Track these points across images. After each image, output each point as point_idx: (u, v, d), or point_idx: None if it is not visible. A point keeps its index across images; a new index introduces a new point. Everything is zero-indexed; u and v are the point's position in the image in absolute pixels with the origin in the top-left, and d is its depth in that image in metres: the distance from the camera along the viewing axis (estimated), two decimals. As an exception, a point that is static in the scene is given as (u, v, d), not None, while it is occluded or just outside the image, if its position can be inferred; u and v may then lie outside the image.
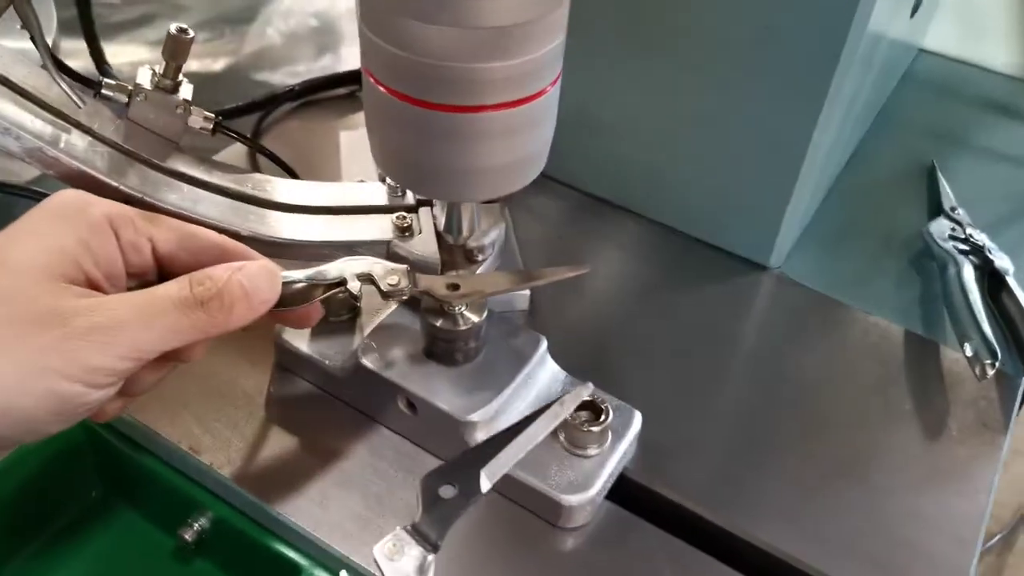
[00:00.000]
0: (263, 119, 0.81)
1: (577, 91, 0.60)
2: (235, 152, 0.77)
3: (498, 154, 0.45)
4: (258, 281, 0.47)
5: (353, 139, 0.79)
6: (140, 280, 0.48)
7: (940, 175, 0.82)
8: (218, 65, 0.91)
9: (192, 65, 0.91)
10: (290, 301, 0.52)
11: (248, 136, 0.79)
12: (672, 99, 0.69)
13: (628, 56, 0.69)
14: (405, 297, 0.54)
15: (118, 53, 0.94)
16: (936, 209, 0.79)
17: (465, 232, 0.52)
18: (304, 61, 0.91)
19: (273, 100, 0.82)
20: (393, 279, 0.53)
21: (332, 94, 0.86)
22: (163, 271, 0.48)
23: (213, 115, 0.56)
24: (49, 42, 0.79)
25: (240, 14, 0.90)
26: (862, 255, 0.75)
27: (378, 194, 0.58)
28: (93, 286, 0.46)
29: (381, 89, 0.43)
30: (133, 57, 0.94)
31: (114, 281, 0.47)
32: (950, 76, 1.00)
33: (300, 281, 0.51)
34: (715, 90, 0.66)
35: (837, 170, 0.81)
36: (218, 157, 0.74)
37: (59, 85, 0.49)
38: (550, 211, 0.75)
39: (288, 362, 0.59)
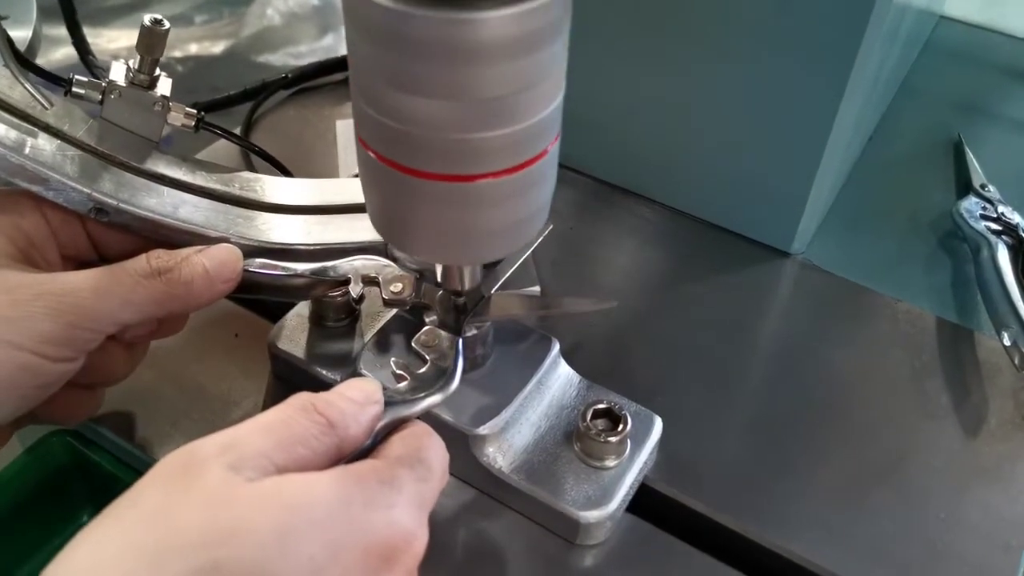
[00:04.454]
0: (255, 110, 0.77)
1: (584, 72, 0.56)
2: (223, 148, 0.73)
3: (497, 218, 0.41)
4: (219, 258, 0.46)
5: (350, 128, 0.75)
6: (77, 262, 0.48)
7: (967, 150, 0.78)
8: (217, 48, 0.87)
9: (191, 48, 0.88)
10: (292, 294, 0.51)
11: (240, 128, 0.75)
12: (685, 77, 0.65)
13: (637, 33, 0.65)
14: (407, 308, 0.51)
15: (114, 39, 0.91)
16: (965, 186, 0.74)
17: (467, 286, 0.48)
18: (306, 41, 0.87)
19: (264, 89, 0.78)
20: (397, 287, 0.50)
21: (328, 80, 0.82)
22: (105, 258, 0.48)
23: (195, 111, 0.52)
24: (29, 33, 0.76)
25: None
26: (889, 238, 0.71)
27: (375, 190, 0.54)
28: (32, 264, 0.46)
29: (372, 155, 0.40)
30: (130, 43, 0.90)
31: (50, 262, 0.47)
32: (973, 44, 0.95)
33: (305, 276, 0.49)
34: (731, 65, 0.62)
35: (860, 146, 0.77)
36: (205, 154, 0.71)
37: (22, 85, 0.45)
38: (559, 200, 0.70)
39: (284, 371, 0.56)
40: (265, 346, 0.56)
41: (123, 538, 0.32)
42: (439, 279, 0.49)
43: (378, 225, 0.44)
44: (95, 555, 0.32)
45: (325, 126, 0.77)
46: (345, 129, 0.75)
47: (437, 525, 0.49)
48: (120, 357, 0.50)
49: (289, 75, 0.80)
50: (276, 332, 0.56)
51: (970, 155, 0.77)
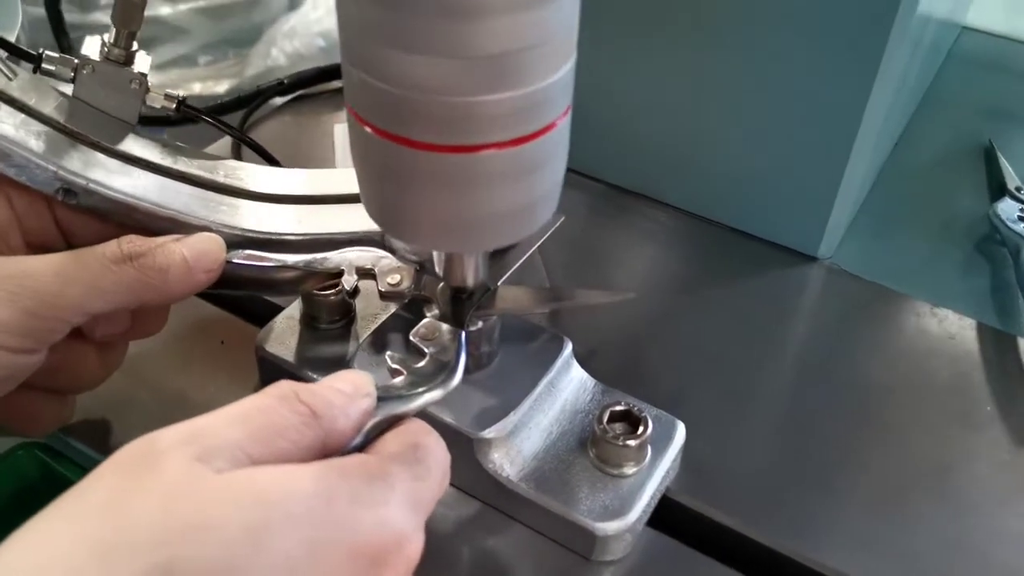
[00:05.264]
0: (249, 115, 0.74)
1: (594, 71, 0.53)
2: (220, 149, 0.69)
3: (504, 199, 0.37)
4: (199, 248, 0.42)
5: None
6: (44, 252, 0.43)
7: (999, 153, 0.74)
8: (221, 88, 0.85)
9: (195, 88, 0.85)
10: (279, 288, 0.47)
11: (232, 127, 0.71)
12: (704, 75, 0.61)
13: (651, 29, 0.61)
14: (405, 301, 0.47)
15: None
16: (999, 190, 0.71)
17: (470, 282, 0.44)
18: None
19: (259, 95, 0.75)
20: (395, 278, 0.46)
21: (325, 87, 0.78)
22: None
23: (176, 93, 0.48)
24: (13, 36, 0.73)
25: (243, 35, 0.83)
26: (922, 242, 0.67)
27: (371, 181, 0.50)
28: None
29: (368, 129, 0.36)
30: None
31: (14, 250, 0.42)
32: (997, 53, 0.92)
33: (295, 268, 0.46)
34: (750, 60, 0.59)
35: (886, 152, 0.74)
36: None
37: (-18, 54, 0.41)
38: (570, 204, 0.66)
39: (272, 377, 0.51)
40: (252, 353, 0.52)
41: (67, 534, 0.28)
42: (441, 274, 0.45)
43: (374, 212, 0.40)
44: (34, 553, 0.27)
45: (323, 131, 0.74)
46: (343, 133, 0.71)
47: (437, 540, 0.45)
48: (91, 359, 0.46)
49: (285, 80, 0.76)
50: (264, 334, 0.52)
51: (1002, 158, 0.73)
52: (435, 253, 0.45)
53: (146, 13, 0.71)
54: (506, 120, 0.35)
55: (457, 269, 0.43)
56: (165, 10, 0.82)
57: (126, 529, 0.27)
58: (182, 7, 0.82)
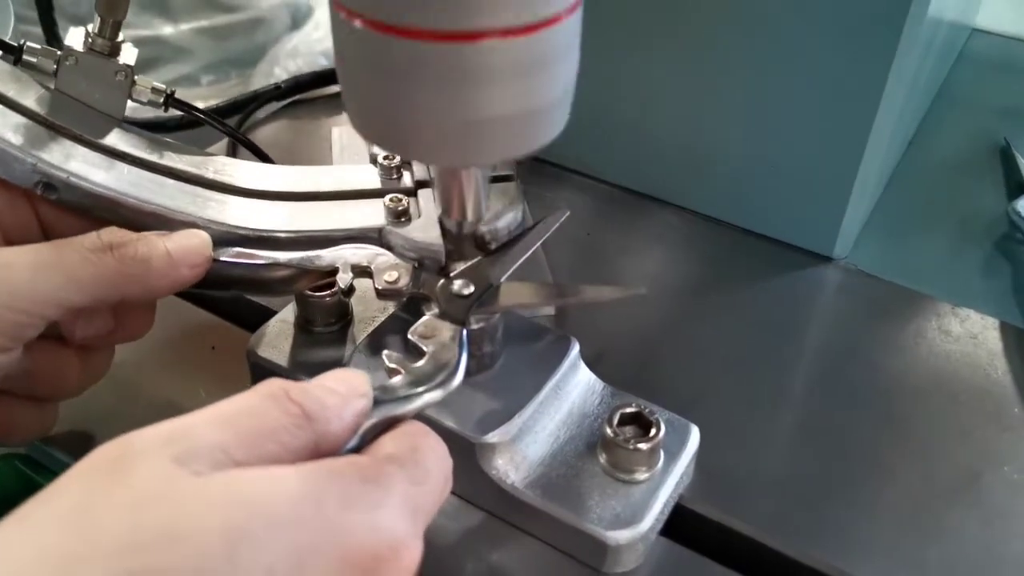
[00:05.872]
0: (245, 119, 0.72)
1: (599, 69, 0.51)
2: (219, 151, 0.68)
3: (506, 100, 0.34)
4: (184, 244, 0.40)
5: (346, 134, 0.69)
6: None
7: (1016, 153, 0.72)
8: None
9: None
10: (271, 288, 0.45)
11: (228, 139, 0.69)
12: (714, 76, 0.60)
13: (657, 26, 0.60)
14: (403, 299, 0.45)
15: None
16: (1018, 187, 0.69)
17: (471, 214, 0.42)
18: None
19: (256, 99, 0.73)
20: (392, 276, 0.44)
21: (322, 92, 0.77)
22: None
23: (164, 86, 0.46)
24: (7, 36, 0.72)
25: (246, 56, 0.83)
26: (940, 241, 0.65)
27: (368, 177, 0.48)
28: None
29: (357, 23, 0.33)
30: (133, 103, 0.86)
31: None
32: (1008, 54, 0.91)
33: (287, 266, 0.43)
34: (762, 63, 0.57)
35: (900, 151, 0.72)
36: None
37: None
38: (575, 206, 0.64)
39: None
40: (244, 359, 0.50)
41: (28, 545, 0.25)
42: (439, 206, 0.42)
43: (363, 124, 0.37)
44: None
45: (320, 135, 0.72)
46: (341, 135, 0.69)
47: (438, 552, 0.42)
48: (72, 364, 0.43)
49: (282, 85, 0.74)
50: (256, 339, 0.49)
51: (1020, 157, 0.71)
52: (432, 174, 0.43)
53: (148, 33, 0.69)
54: (508, 4, 0.32)
55: (456, 196, 0.40)
56: (167, 30, 0.81)
57: (92, 538, 0.25)
58: (184, 27, 0.81)
